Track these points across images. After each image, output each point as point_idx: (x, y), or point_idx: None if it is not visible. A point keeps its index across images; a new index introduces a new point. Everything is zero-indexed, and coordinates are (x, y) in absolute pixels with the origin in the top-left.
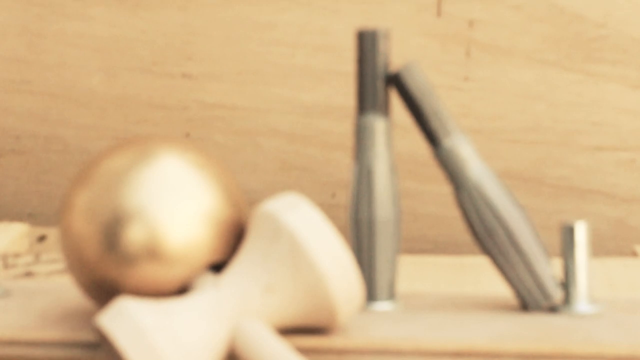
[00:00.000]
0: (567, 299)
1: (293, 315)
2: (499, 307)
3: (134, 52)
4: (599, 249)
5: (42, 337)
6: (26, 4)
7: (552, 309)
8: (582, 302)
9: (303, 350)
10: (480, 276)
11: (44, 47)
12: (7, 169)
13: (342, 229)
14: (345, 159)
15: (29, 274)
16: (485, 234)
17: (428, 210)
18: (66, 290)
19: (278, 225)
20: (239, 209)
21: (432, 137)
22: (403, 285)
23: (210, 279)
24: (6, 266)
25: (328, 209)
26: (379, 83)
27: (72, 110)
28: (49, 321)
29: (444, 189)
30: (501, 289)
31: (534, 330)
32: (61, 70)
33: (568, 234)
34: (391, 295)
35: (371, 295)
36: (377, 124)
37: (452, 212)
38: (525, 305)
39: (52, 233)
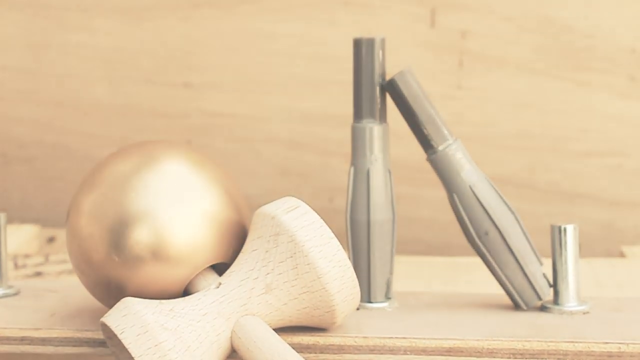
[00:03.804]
0: (557, 298)
1: (292, 314)
2: (491, 306)
3: (137, 62)
4: (587, 250)
5: (51, 334)
6: (32, 17)
7: (543, 308)
8: (571, 301)
9: (301, 348)
10: (473, 276)
11: (50, 58)
12: (15, 176)
13: (339, 232)
14: (342, 164)
15: (38, 274)
16: (478, 236)
17: (422, 214)
18: (74, 290)
19: (278, 226)
20: (240, 211)
21: (426, 142)
22: (399, 284)
23: (212, 279)
24: (17, 266)
25: (326, 213)
26: (375, 89)
27: (77, 119)
28: (58, 319)
29: (438, 194)
30: (493, 289)
31: (525, 328)
32: (66, 80)
33: (558, 236)
34: (387, 295)
35: (368, 294)
36: (374, 129)
37: (446, 216)
38: (516, 304)
39: (61, 235)
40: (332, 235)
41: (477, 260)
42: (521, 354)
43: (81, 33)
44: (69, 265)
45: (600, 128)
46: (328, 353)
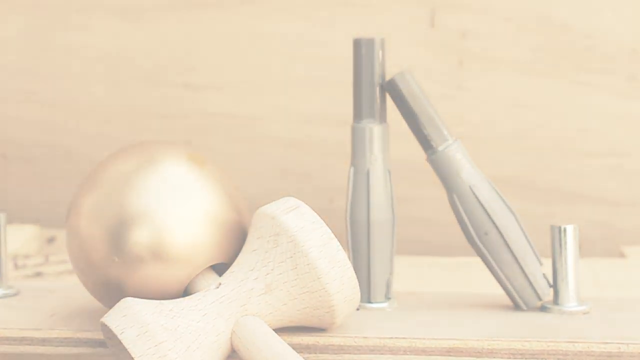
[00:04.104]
0: (557, 298)
1: (292, 314)
2: (491, 306)
3: (137, 62)
4: (587, 250)
5: (51, 335)
6: (32, 17)
7: (543, 308)
8: (571, 301)
9: (301, 348)
10: (473, 276)
11: (49, 59)
12: (15, 176)
13: (339, 232)
14: (342, 165)
15: (38, 275)
16: (478, 236)
17: (422, 214)
18: (74, 290)
19: (278, 226)
20: (240, 211)
21: (426, 143)
22: (399, 284)
23: (212, 279)
24: (17, 267)
25: (326, 214)
26: (375, 89)
27: (77, 120)
28: (58, 320)
29: (438, 194)
30: (493, 289)
31: (524, 328)
32: (66, 80)
33: (558, 236)
34: (387, 295)
35: (368, 294)
36: (373, 129)
37: (446, 216)
38: (516, 304)
39: (61, 235)
40: (332, 235)
41: (477, 260)
42: (521, 354)
43: (81, 33)
44: (69, 266)
45: (600, 128)
46: (328, 353)
